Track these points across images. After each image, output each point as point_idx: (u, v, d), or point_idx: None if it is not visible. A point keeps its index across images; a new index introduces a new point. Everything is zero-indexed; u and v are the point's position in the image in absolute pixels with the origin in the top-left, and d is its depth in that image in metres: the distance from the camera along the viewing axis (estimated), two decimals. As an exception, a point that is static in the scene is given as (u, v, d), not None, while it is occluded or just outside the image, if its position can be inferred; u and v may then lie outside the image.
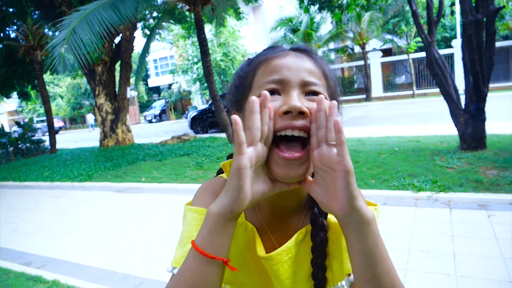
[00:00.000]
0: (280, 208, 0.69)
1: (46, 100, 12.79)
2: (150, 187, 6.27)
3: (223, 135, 10.33)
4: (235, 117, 0.53)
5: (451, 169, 4.64)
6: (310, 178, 0.59)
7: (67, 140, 19.36)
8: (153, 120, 27.97)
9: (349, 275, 0.65)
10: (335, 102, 0.54)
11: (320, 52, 20.48)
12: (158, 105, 29.31)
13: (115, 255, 3.70)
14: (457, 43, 16.24)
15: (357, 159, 5.75)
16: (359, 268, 0.55)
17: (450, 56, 16.84)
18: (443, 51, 17.02)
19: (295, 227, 0.69)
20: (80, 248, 4.04)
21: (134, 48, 12.01)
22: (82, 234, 4.46)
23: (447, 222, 3.34)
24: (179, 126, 19.53)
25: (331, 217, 0.68)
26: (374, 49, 20.30)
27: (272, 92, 0.60)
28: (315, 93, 0.61)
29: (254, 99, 0.55)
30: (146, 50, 11.45)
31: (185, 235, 0.66)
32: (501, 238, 2.89)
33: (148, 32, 12.88)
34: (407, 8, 16.20)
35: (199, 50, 10.46)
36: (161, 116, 28.15)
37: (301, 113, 0.57)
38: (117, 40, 11.84)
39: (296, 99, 0.58)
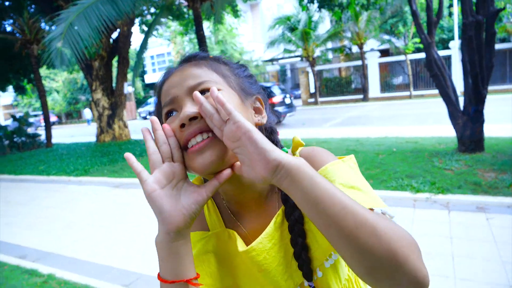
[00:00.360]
0: (249, 202, 0.70)
1: (42, 94, 12.70)
2: (147, 183, 6.24)
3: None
4: (127, 155, 0.59)
5: (450, 171, 4.65)
6: (238, 163, 0.60)
7: (63, 135, 19.22)
8: (148, 117, 27.97)
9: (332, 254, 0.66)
10: (213, 87, 0.57)
11: (318, 52, 20.49)
12: (153, 102, 29.24)
13: (112, 250, 3.67)
14: (454, 44, 16.29)
15: (355, 159, 5.74)
16: (313, 218, 0.51)
17: (448, 58, 16.89)
18: (440, 53, 17.06)
19: (273, 213, 0.69)
20: (77, 242, 4.01)
21: (131, 43, 11.94)
22: (79, 229, 4.42)
23: (446, 224, 3.35)
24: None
25: None
26: (372, 49, 20.33)
27: (172, 111, 0.64)
28: (208, 90, 0.61)
29: (142, 129, 0.61)
30: (144, 46, 11.38)
31: None
32: (500, 241, 2.90)
33: (145, 28, 12.81)
34: (405, 8, 16.24)
35: (196, 47, 10.42)
36: None
37: (193, 118, 0.59)
38: (114, 35, 11.77)
39: (186, 109, 0.60)
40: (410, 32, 16.94)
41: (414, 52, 17.48)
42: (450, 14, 18.63)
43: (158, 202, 0.57)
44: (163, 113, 0.66)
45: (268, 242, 0.66)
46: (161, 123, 0.66)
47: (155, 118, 0.60)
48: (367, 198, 0.59)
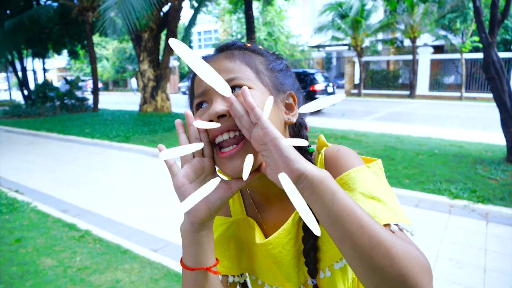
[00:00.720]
0: (272, 196, 0.72)
1: (93, 60, 13.26)
2: (183, 156, 6.43)
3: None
4: (160, 147, 0.58)
5: (494, 180, 4.42)
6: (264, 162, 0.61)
7: (108, 101, 20.07)
8: (187, 92, 28.31)
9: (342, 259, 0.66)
10: (245, 87, 0.56)
11: (367, 42, 19.78)
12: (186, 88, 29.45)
13: (144, 216, 3.86)
14: (518, 47, 15.15)
15: (393, 157, 5.59)
16: (329, 231, 0.52)
17: (509, 61, 15.76)
18: (501, 55, 15.94)
19: (291, 209, 0.70)
20: (113, 204, 4.24)
21: (180, 18, 12.10)
22: (117, 192, 4.67)
23: (482, 235, 3.21)
24: (216, 101, 19.70)
25: None
26: (425, 45, 19.32)
27: (203, 103, 0.64)
28: (239, 86, 0.61)
29: (177, 122, 0.62)
30: (192, 21, 11.52)
31: None
32: (539, 259, 2.74)
33: (195, 4, 12.91)
34: (467, 4, 15.19)
35: (244, 26, 10.38)
36: None
37: (222, 116, 0.59)
38: (165, 8, 11.97)
39: (215, 105, 0.60)
40: (470, 29, 15.90)
41: (471, 51, 16.43)
42: (518, 14, 17.21)
43: (186, 196, 0.59)
44: (194, 103, 0.66)
45: (284, 237, 0.68)
46: (193, 111, 0.68)
47: (189, 113, 0.60)
48: (387, 211, 0.57)
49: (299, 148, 0.68)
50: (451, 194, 4.03)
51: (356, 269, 0.51)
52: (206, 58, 0.68)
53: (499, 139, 5.81)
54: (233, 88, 0.61)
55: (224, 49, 0.68)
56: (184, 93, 27.94)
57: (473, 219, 3.54)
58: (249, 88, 0.61)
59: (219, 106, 0.59)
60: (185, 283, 0.65)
